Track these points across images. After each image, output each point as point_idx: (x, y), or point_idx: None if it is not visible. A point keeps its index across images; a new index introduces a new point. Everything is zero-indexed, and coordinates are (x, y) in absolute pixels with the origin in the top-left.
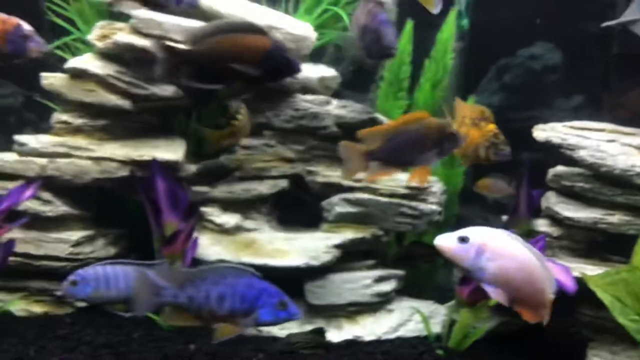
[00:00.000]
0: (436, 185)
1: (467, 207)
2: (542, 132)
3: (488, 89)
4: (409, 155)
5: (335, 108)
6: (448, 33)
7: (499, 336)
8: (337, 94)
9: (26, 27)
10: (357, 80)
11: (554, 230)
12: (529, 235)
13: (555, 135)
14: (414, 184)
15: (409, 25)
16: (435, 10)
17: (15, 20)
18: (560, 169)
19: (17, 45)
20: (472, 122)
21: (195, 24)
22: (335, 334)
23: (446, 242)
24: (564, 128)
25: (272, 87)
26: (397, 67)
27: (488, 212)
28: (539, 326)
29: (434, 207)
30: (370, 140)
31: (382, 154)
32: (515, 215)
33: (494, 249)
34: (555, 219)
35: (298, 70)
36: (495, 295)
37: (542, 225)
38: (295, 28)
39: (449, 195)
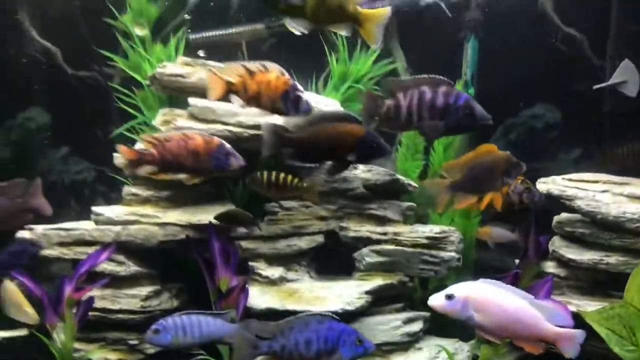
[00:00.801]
0: (454, 235)
1: (487, 252)
2: (544, 184)
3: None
4: (485, 183)
5: (362, 172)
6: None
7: None
8: None
9: (227, 145)
10: None
11: (561, 271)
12: (538, 277)
13: (555, 188)
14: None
15: None
16: (376, 45)
17: (217, 140)
18: (563, 216)
19: (221, 162)
20: None
21: (244, 110)
22: None
23: (436, 301)
24: (562, 181)
25: None
26: (413, 133)
27: (505, 256)
28: (554, 358)
29: (452, 254)
30: (453, 174)
31: (463, 185)
32: (525, 260)
33: (477, 299)
34: (561, 261)
35: (387, 153)
36: (488, 337)
37: (550, 267)
38: (323, 105)
39: (466, 243)
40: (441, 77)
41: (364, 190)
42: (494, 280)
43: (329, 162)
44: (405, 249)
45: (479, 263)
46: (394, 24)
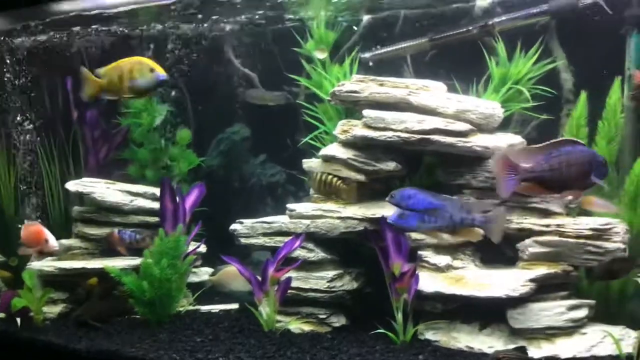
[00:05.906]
0: (619, 226)
1: None
2: None
3: None
4: None
5: None
6: (615, 97)
7: None
8: None
9: None
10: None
11: None
12: None
13: None
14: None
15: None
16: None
17: None
18: None
19: None
20: None
21: (411, 117)
22: (536, 352)
23: None
24: None
25: (468, 155)
26: (575, 129)
27: None
28: None
29: (618, 244)
30: None
31: None
32: None
33: None
34: None
35: None
36: None
37: None
38: (484, 108)
39: (634, 233)
40: None
41: None
42: None
43: None
44: (568, 239)
45: None
46: (552, 24)
